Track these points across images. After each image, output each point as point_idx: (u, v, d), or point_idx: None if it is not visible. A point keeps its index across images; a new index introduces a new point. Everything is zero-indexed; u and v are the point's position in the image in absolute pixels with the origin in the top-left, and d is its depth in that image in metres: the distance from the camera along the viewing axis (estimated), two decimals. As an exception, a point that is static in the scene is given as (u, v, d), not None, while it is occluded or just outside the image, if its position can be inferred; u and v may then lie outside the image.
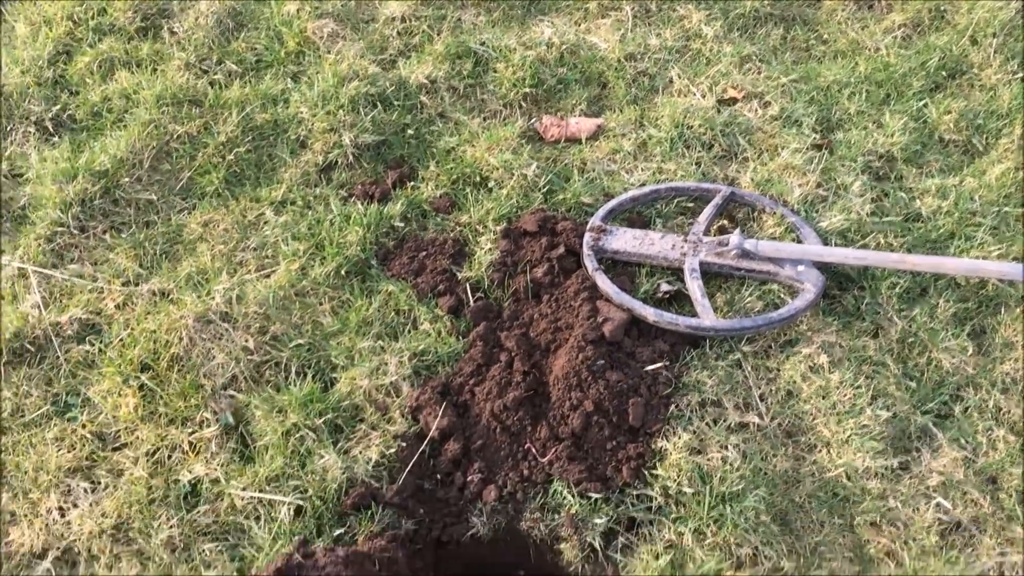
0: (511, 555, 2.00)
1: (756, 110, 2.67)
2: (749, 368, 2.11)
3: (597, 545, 1.89)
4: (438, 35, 2.97)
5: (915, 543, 1.86)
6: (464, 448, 2.03)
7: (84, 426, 2.11)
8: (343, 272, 2.34)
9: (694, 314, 2.17)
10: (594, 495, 1.93)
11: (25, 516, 1.99)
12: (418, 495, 1.99)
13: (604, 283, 2.21)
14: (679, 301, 2.26)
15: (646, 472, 1.96)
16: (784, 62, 2.86)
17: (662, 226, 2.42)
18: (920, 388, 2.07)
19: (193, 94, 2.75)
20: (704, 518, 1.88)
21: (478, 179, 2.55)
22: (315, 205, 2.51)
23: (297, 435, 2.03)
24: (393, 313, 2.28)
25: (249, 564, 1.90)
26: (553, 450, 1.98)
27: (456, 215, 2.48)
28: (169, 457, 2.05)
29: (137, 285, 2.36)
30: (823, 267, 2.20)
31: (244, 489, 1.97)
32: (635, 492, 1.94)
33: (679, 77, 2.80)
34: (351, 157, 2.61)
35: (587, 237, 2.31)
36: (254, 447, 2.05)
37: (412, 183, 2.57)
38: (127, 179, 2.57)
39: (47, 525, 1.97)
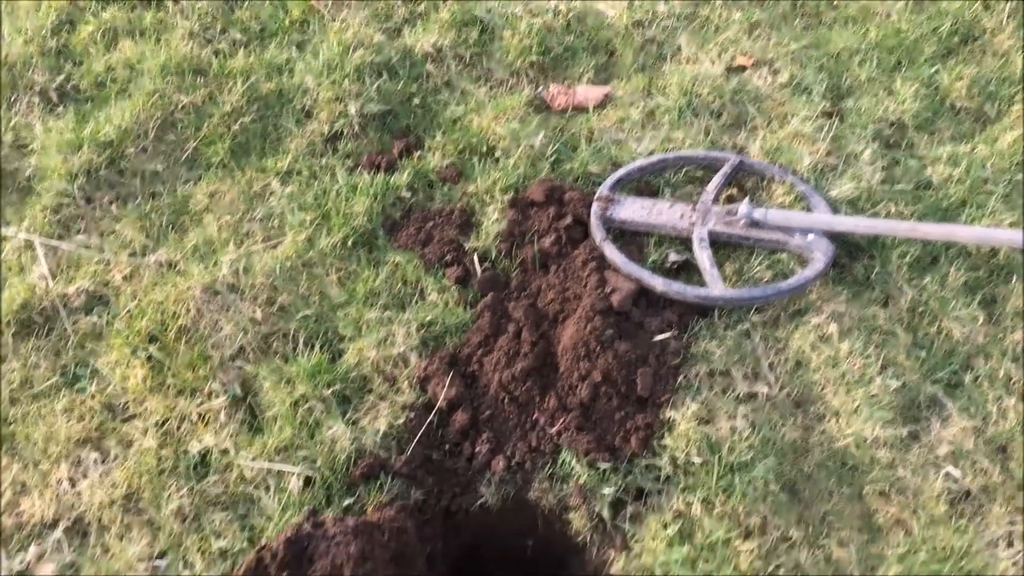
0: (520, 524, 2.00)
1: (765, 77, 2.64)
2: (758, 338, 2.10)
3: (605, 515, 1.89)
4: (444, 2, 2.93)
5: (924, 512, 1.86)
6: (472, 418, 2.03)
7: (93, 397, 2.12)
8: (350, 243, 2.33)
9: (703, 284, 2.16)
10: (602, 465, 1.93)
11: (36, 486, 2.00)
12: (427, 465, 2.00)
13: (612, 253, 2.19)
14: (688, 271, 2.24)
15: (655, 442, 1.96)
16: (794, 29, 2.82)
17: (670, 195, 2.40)
18: (930, 357, 2.06)
19: (197, 64, 2.73)
20: (713, 488, 1.88)
21: (485, 149, 2.53)
22: (321, 175, 2.50)
23: (305, 406, 2.03)
24: (400, 284, 2.27)
25: (259, 534, 1.91)
26: (561, 420, 1.98)
27: (463, 185, 2.47)
28: (178, 428, 2.06)
29: (144, 256, 2.35)
30: (833, 236, 2.18)
31: (253, 460, 1.98)
32: (643, 462, 1.94)
33: (687, 44, 2.76)
34: (357, 127, 2.59)
35: (595, 207, 2.30)
36: (263, 418, 2.06)
37: (418, 153, 2.55)
38: (132, 150, 2.56)
39: (57, 495, 1.98)
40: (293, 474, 1.95)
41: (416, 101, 2.67)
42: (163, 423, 2.06)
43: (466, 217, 2.39)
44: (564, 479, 1.96)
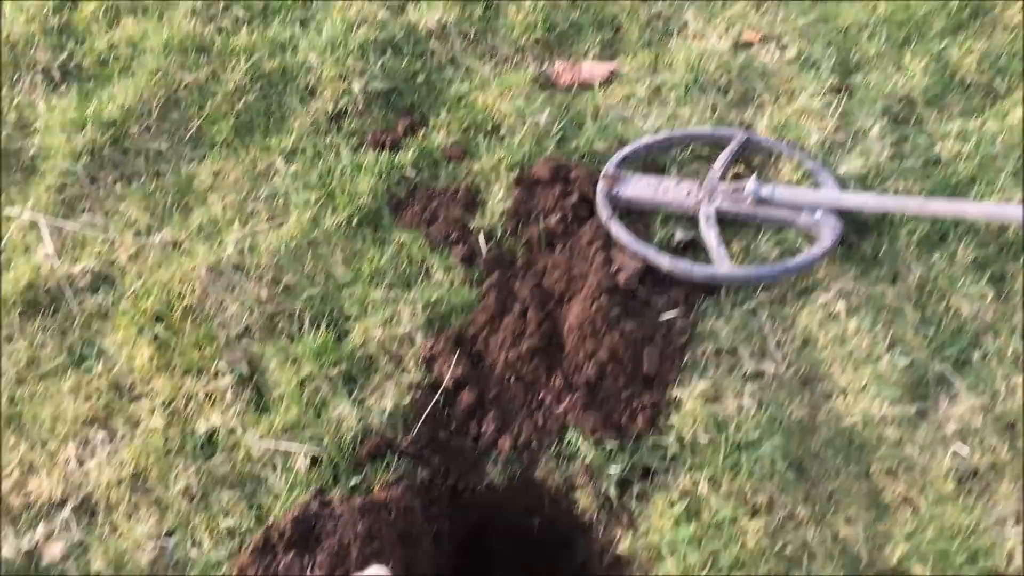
0: (526, 504, 2.01)
1: (773, 53, 2.61)
2: (765, 316, 2.09)
3: (612, 493, 1.90)
4: (448, -22, 2.90)
5: (932, 490, 1.86)
6: (478, 398, 2.03)
7: (100, 376, 2.12)
8: (355, 222, 2.32)
9: (709, 262, 2.14)
10: (609, 444, 1.93)
11: (43, 466, 2.00)
12: (433, 444, 2.00)
13: (618, 231, 2.18)
14: (694, 249, 2.23)
15: (661, 421, 1.96)
16: (802, 3, 2.78)
17: (677, 173, 2.38)
18: (938, 335, 2.05)
19: (200, 41, 2.71)
20: (719, 466, 1.87)
21: (490, 126, 2.52)
22: (325, 154, 2.48)
23: (312, 385, 2.03)
24: (406, 263, 2.26)
25: (266, 513, 1.91)
26: (568, 399, 1.98)
27: (468, 163, 2.45)
28: (185, 407, 2.06)
29: (149, 236, 2.35)
30: (841, 213, 2.17)
31: (260, 439, 1.98)
32: (650, 441, 1.94)
33: (694, 19, 2.73)
34: (361, 105, 2.57)
35: (601, 185, 2.28)
36: (269, 397, 2.06)
37: (423, 131, 2.53)
38: (136, 128, 2.54)
39: (65, 475, 1.99)
40: (300, 453, 1.95)
41: (420, 79, 2.65)
42: (170, 402, 2.07)
43: (471, 196, 2.38)
44: (570, 458, 1.96)
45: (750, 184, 2.18)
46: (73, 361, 2.17)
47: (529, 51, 2.73)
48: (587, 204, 2.29)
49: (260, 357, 2.11)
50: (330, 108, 2.57)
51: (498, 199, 2.34)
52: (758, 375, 2.01)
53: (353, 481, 1.92)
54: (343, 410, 1.99)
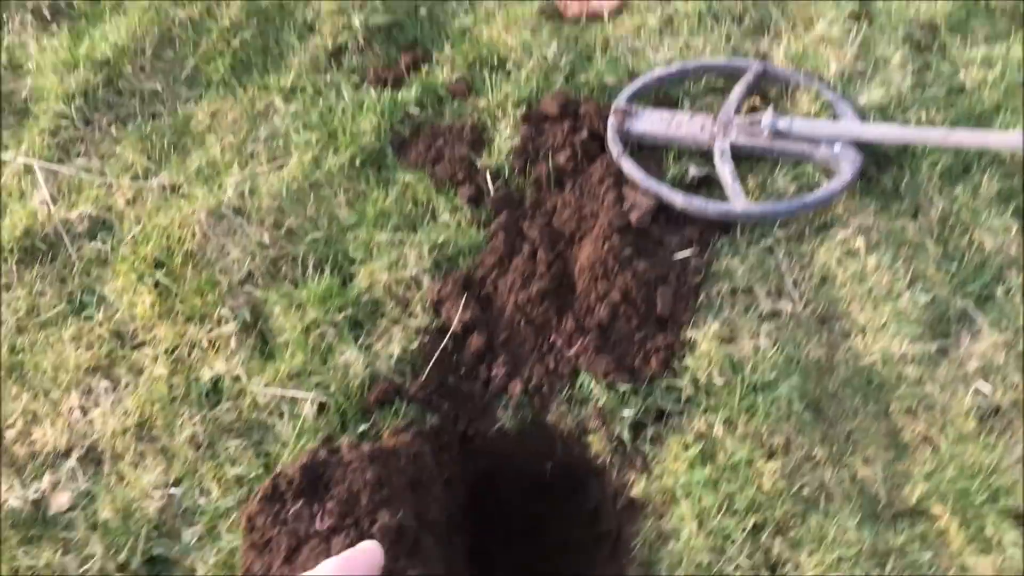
0: (538, 448, 1.98)
1: (789, -21, 2.51)
2: (782, 254, 2.03)
3: (625, 437, 1.86)
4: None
5: (952, 428, 1.81)
6: (488, 342, 1.98)
7: (101, 324, 2.08)
8: (358, 162, 2.26)
9: (724, 198, 2.08)
10: (622, 387, 1.89)
11: (47, 415, 1.97)
12: (442, 390, 1.96)
13: (630, 168, 2.11)
14: (709, 185, 2.16)
15: (675, 363, 1.91)
16: (819, -74, 2.67)
17: (690, 106, 2.31)
18: (961, 270, 1.99)
19: (193, -25, 2.62)
20: (735, 408, 1.83)
21: (495, 61, 2.43)
22: (326, 92, 2.41)
23: (317, 331, 1.99)
24: (411, 204, 2.20)
25: (274, 460, 1.88)
26: (579, 342, 1.93)
27: (473, 100, 2.37)
28: (188, 355, 2.02)
29: (146, 179, 2.29)
30: (861, 146, 2.09)
31: (266, 386, 1.94)
32: (664, 383, 1.90)
33: (707, -55, 2.63)
34: (361, 40, 2.49)
35: (611, 120, 2.21)
36: (274, 344, 2.02)
37: (426, 67, 2.45)
38: (130, 68, 2.47)
39: (69, 424, 1.96)
40: (307, 400, 1.92)
41: (423, 11, 2.56)
42: (173, 350, 2.03)
43: (477, 133, 2.31)
44: (583, 402, 1.92)
45: (766, 117, 2.10)
46: (73, 309, 2.13)
47: (535, -19, 2.63)
48: (597, 140, 2.22)
49: (264, 303, 2.06)
50: (329, 44, 2.49)
51: (505, 137, 2.27)
52: (775, 314, 1.96)
53: (361, 428, 1.89)
54: (350, 356, 1.95)
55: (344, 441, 1.81)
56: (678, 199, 2.05)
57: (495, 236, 2.10)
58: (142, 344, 2.06)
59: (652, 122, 2.21)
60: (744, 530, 1.71)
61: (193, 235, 2.11)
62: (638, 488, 1.82)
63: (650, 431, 1.87)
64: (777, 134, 2.11)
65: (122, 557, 1.79)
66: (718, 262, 2.02)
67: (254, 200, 2.17)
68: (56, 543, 1.81)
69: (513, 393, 1.93)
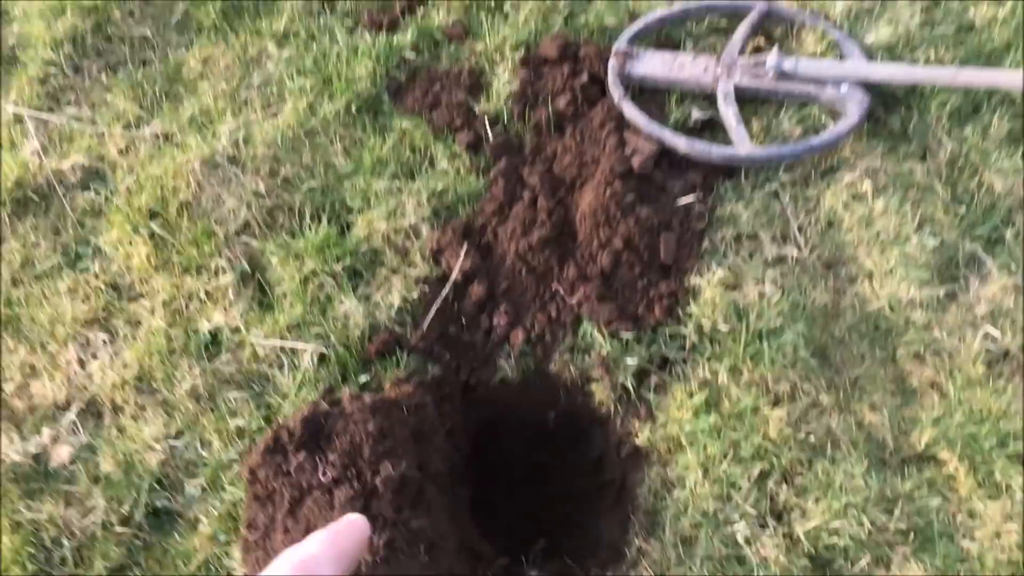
0: (541, 398, 1.96)
1: (795, -86, 2.43)
2: (787, 198, 1.99)
3: (629, 385, 1.84)
4: None
5: (960, 373, 1.79)
6: (489, 291, 1.96)
7: (97, 276, 2.05)
8: (354, 109, 2.21)
9: (728, 142, 2.04)
10: (625, 335, 1.87)
11: (45, 369, 1.96)
12: (443, 340, 1.94)
13: (632, 112, 2.07)
14: (712, 129, 2.12)
15: (679, 310, 1.89)
16: None
17: (693, 48, 2.25)
18: (970, 213, 1.95)
19: (180, -84, 2.54)
20: (740, 355, 1.81)
21: (493, 2, 2.37)
22: (320, 37, 2.35)
23: (316, 282, 1.96)
24: (408, 151, 2.16)
25: (275, 412, 1.87)
26: (582, 290, 1.90)
27: (471, 43, 2.32)
28: (186, 306, 1.99)
29: (139, 128, 2.24)
30: (868, 86, 2.04)
31: (265, 338, 1.92)
32: (668, 331, 1.87)
33: None
34: (355, -18, 2.42)
35: (612, 62, 2.15)
36: (272, 295, 1.99)
37: (422, 9, 2.39)
38: (118, 13, 2.41)
39: (68, 377, 1.94)
40: (307, 351, 1.89)
41: (418, -48, 2.49)
42: (171, 302, 2.00)
43: (475, 78, 2.26)
44: (585, 350, 1.89)
45: (771, 57, 2.05)
46: (69, 261, 2.10)
47: (533, -81, 2.55)
48: (598, 84, 2.17)
49: (261, 253, 2.03)
50: (322, -14, 2.42)
51: (503, 81, 2.22)
52: (780, 260, 1.93)
53: (362, 379, 1.87)
54: (349, 306, 1.93)
55: (345, 392, 1.79)
56: (681, 143, 2.01)
57: (495, 183, 2.06)
58: (139, 296, 2.03)
59: (654, 64, 2.16)
60: (750, 478, 1.70)
61: (188, 185, 2.07)
62: (642, 436, 1.81)
63: (654, 379, 1.85)
64: (782, 75, 2.06)
65: (124, 510, 1.78)
66: (722, 207, 1.99)
67: (249, 149, 2.13)
68: (58, 496, 1.81)
69: (515, 342, 1.91)
